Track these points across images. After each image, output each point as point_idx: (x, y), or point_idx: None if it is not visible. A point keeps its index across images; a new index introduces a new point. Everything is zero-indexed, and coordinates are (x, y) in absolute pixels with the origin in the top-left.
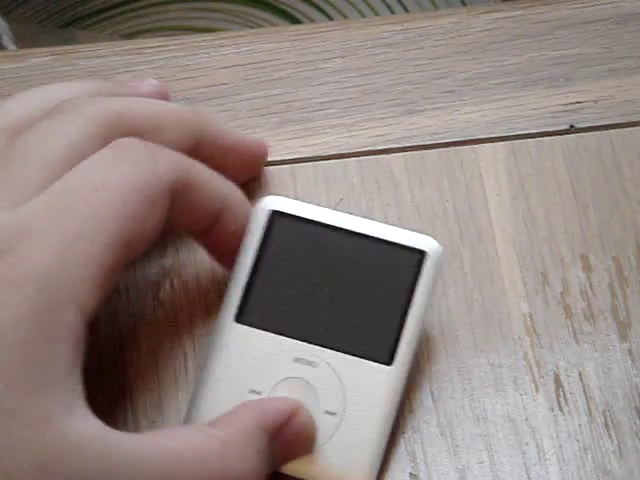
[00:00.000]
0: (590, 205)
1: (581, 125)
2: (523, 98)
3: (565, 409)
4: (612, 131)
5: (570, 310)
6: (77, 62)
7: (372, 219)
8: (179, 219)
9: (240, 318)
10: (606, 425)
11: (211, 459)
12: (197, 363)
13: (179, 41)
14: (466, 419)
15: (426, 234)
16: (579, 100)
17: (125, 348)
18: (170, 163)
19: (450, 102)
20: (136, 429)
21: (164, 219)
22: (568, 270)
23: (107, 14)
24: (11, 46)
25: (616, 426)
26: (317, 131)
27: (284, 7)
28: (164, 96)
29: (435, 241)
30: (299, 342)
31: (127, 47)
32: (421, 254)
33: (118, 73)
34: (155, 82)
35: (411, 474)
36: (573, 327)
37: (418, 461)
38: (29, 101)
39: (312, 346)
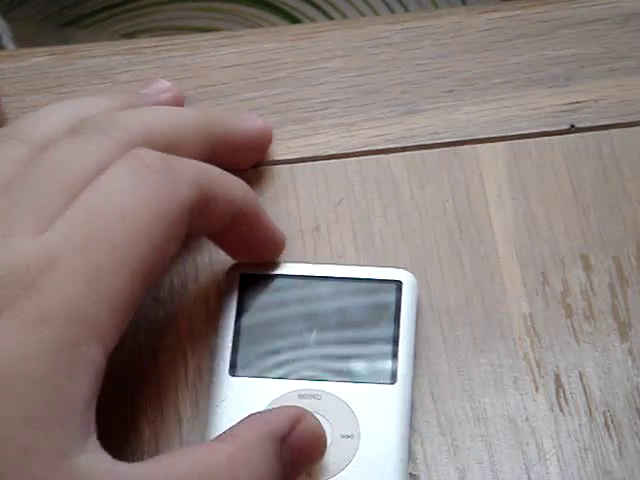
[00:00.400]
0: (590, 205)
1: (581, 125)
2: (523, 98)
3: (565, 409)
4: (612, 131)
5: (570, 310)
6: (77, 62)
7: (341, 264)
8: (196, 228)
9: (234, 372)
10: (606, 425)
11: (220, 473)
12: (196, 363)
13: (179, 41)
14: (466, 419)
15: (395, 267)
16: (579, 100)
17: (125, 348)
18: (190, 181)
19: (450, 102)
20: (135, 429)
21: (183, 239)
22: (568, 270)
23: (107, 14)
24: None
25: (616, 426)
26: (317, 131)
27: (284, 7)
28: (180, 101)
29: (406, 271)
30: (299, 381)
31: (127, 47)
32: (397, 283)
33: (117, 73)
34: (168, 85)
35: (411, 474)
36: (573, 327)
37: (418, 461)
38: (56, 116)
39: (313, 382)
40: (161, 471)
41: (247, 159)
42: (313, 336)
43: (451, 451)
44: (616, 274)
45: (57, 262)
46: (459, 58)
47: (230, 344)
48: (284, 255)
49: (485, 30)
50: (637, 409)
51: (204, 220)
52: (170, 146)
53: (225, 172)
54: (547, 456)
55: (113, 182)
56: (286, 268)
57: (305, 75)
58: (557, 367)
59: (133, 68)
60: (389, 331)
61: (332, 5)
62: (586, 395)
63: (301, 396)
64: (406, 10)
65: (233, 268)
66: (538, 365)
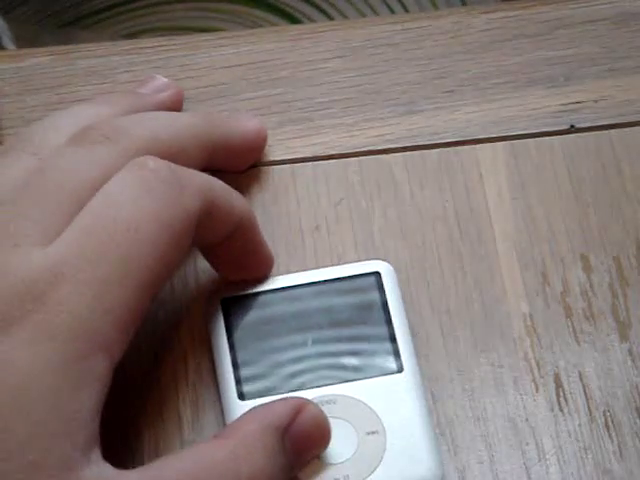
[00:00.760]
0: (590, 205)
1: (581, 125)
2: (523, 98)
3: (565, 409)
4: (612, 131)
5: (570, 310)
6: (77, 62)
7: (315, 268)
8: (197, 238)
9: (244, 397)
10: (606, 425)
11: (223, 467)
12: (197, 362)
13: (179, 41)
14: (466, 419)
15: (369, 259)
16: (579, 100)
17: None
18: (196, 191)
19: (450, 102)
20: (135, 429)
21: (189, 249)
22: (568, 270)
23: (107, 14)
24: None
25: (616, 426)
26: (317, 131)
27: (284, 7)
28: (179, 97)
29: (382, 261)
30: (310, 390)
31: (127, 47)
32: (376, 274)
33: (118, 73)
34: (165, 81)
35: None
36: (573, 327)
37: None
38: (60, 125)
39: (324, 388)
40: (165, 474)
41: (244, 160)
42: (310, 344)
43: (451, 451)
44: (616, 274)
45: (65, 275)
46: (459, 58)
47: (231, 371)
48: (286, 252)
49: (485, 30)
50: (637, 409)
51: (206, 230)
52: (173, 153)
53: (226, 185)
54: (547, 456)
55: (119, 191)
56: (264, 284)
57: (305, 75)
58: (557, 367)
59: (133, 68)
60: (382, 322)
61: (332, 5)
62: (586, 395)
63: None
64: (406, 10)
65: (211, 296)
66: (538, 365)
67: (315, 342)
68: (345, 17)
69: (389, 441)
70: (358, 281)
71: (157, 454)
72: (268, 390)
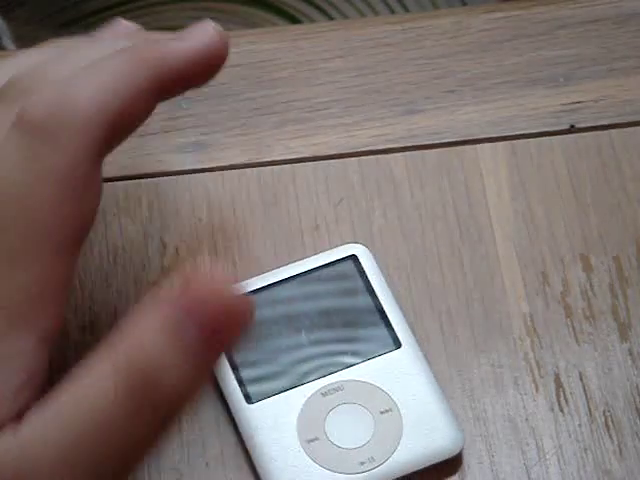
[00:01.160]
0: (590, 205)
1: (581, 125)
2: (523, 98)
3: (565, 409)
4: (612, 131)
5: (570, 310)
6: None
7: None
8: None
9: (251, 399)
10: (606, 425)
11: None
12: None
13: None
14: (466, 419)
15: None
16: (579, 100)
17: None
18: (88, 125)
19: (450, 102)
20: None
21: (100, 185)
22: (568, 270)
23: (107, 14)
24: (11, 46)
25: (616, 426)
26: (317, 131)
27: (284, 7)
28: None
29: (356, 244)
30: (315, 382)
31: None
32: (353, 257)
33: None
34: (127, 24)
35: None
36: (573, 327)
37: None
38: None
39: (328, 377)
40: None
41: (204, 76)
42: (304, 336)
43: None
44: (616, 274)
45: None
46: (459, 58)
47: (232, 376)
48: (286, 252)
49: (485, 30)
50: (637, 409)
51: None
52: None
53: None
54: (547, 456)
55: (3, 161)
56: (247, 285)
57: (305, 75)
58: (557, 367)
59: None
60: (369, 302)
61: (332, 5)
62: (586, 395)
63: (324, 394)
64: (406, 10)
65: None
66: (538, 365)
67: (309, 334)
68: (345, 17)
69: (404, 416)
70: (337, 267)
71: (157, 454)
72: (274, 389)
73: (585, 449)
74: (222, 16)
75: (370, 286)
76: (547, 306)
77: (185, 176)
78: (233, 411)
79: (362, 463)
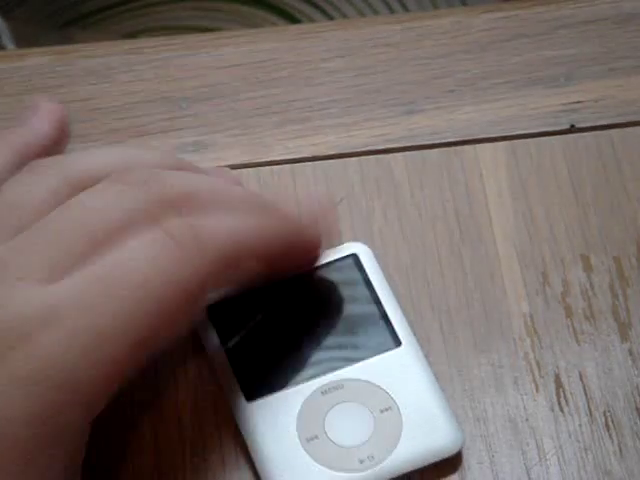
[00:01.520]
0: (591, 205)
1: (581, 125)
2: (523, 98)
3: (565, 409)
4: (612, 131)
5: (570, 310)
6: (77, 62)
7: None
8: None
9: (251, 397)
10: (606, 425)
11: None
12: (196, 363)
13: (179, 41)
14: (466, 419)
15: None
16: (579, 100)
17: None
18: (217, 251)
19: (450, 102)
20: (135, 429)
21: (199, 310)
22: (568, 270)
23: (107, 13)
24: (11, 46)
25: (617, 426)
26: (317, 131)
27: (284, 7)
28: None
29: (358, 242)
30: (315, 380)
31: (127, 47)
32: (353, 256)
33: (117, 73)
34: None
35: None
36: (573, 327)
37: None
38: (100, 157)
39: (328, 376)
40: None
41: (307, 263)
42: (304, 334)
43: None
44: (616, 274)
45: (59, 319)
46: (459, 58)
47: (232, 374)
48: None
49: (485, 30)
50: (637, 409)
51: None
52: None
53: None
54: (547, 456)
55: (138, 247)
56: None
57: (305, 75)
58: (557, 367)
59: (133, 68)
60: (370, 301)
61: (332, 5)
62: (586, 395)
63: (324, 392)
64: (406, 10)
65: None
66: (538, 365)
67: (309, 332)
68: (345, 17)
69: (404, 415)
70: (338, 265)
71: (157, 454)
72: (274, 387)
73: (585, 449)
74: (222, 16)
75: (370, 285)
76: (547, 306)
77: None
78: (233, 409)
79: (362, 461)
